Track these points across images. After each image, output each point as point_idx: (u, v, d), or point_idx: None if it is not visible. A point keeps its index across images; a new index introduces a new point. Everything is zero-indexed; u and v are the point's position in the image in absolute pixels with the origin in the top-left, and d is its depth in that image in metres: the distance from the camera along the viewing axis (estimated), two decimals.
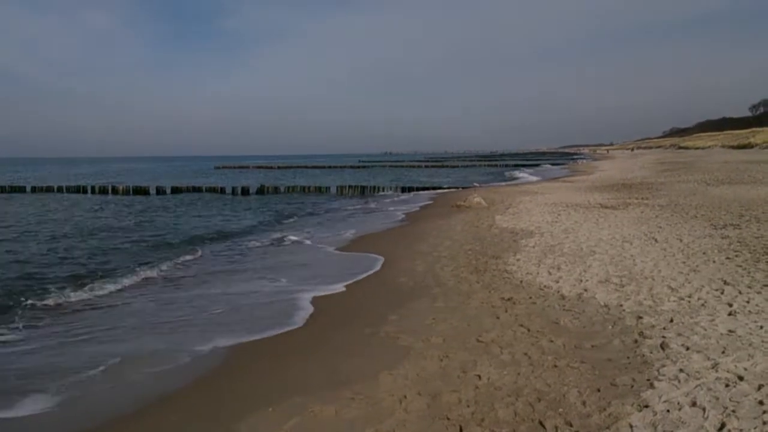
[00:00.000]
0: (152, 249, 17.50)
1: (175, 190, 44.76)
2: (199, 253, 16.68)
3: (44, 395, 6.82)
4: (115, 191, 45.51)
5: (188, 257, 15.93)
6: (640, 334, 7.33)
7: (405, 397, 6.02)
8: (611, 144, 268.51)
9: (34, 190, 46.90)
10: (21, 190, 47.15)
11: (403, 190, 42.42)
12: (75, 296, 11.46)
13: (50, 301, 11.10)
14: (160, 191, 44.45)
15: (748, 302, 8.29)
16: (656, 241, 13.48)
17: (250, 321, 9.60)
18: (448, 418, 5.47)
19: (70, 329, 9.46)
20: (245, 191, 43.88)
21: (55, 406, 6.59)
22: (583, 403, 5.54)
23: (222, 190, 44.68)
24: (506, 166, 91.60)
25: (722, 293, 8.86)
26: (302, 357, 7.68)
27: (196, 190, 45.38)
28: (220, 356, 7.97)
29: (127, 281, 12.78)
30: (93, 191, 46.12)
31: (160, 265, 14.51)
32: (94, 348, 8.51)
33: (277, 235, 20.36)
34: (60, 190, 46.91)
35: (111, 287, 12.21)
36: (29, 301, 11.06)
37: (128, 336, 9.05)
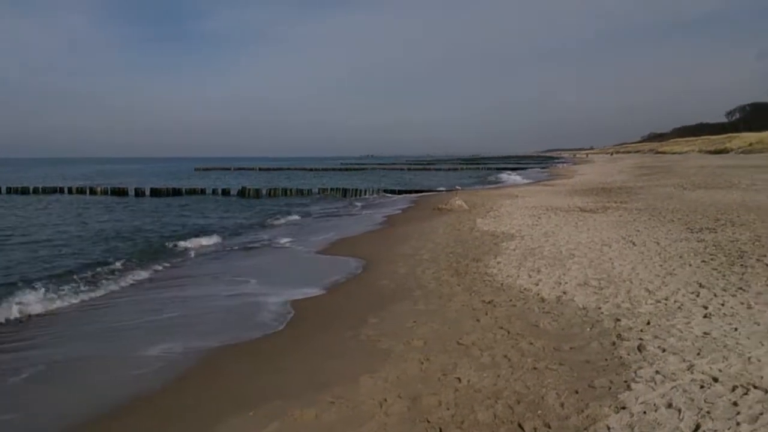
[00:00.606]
0: (128, 252, 17.28)
1: (155, 192, 44.06)
2: (178, 256, 16.56)
3: None
4: (93, 192, 44.99)
5: (166, 261, 15.78)
6: (618, 336, 7.42)
7: (385, 400, 6.04)
8: (591, 148, 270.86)
9: (9, 191, 45.95)
10: None
11: (385, 192, 42.45)
12: (39, 306, 10.91)
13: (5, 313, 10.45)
14: (139, 193, 43.98)
15: (722, 305, 8.43)
16: (634, 244, 13.64)
17: (228, 324, 9.54)
18: (429, 421, 5.49)
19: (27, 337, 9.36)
20: (226, 193, 43.66)
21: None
22: (562, 404, 5.60)
23: (202, 192, 44.42)
24: (488, 169, 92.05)
25: (698, 296, 8.99)
26: (282, 360, 7.66)
27: (176, 192, 44.76)
28: (198, 360, 7.91)
29: (102, 287, 12.62)
30: (70, 192, 45.55)
31: (136, 268, 14.37)
32: (57, 350, 8.44)
33: (258, 237, 20.29)
34: (36, 191, 46.06)
35: (93, 293, 12.08)
36: None
37: (98, 338, 8.99)
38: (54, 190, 46.32)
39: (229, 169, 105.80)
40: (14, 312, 10.44)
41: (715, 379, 5.81)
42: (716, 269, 10.69)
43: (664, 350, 6.77)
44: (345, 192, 42.87)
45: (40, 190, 46.42)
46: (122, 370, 7.62)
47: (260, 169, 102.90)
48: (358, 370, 6.95)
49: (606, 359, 6.70)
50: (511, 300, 9.52)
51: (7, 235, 21.21)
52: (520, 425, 5.27)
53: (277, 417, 5.82)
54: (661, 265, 11.25)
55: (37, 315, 10.49)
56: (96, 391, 7.04)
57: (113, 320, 10.03)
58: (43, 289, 11.70)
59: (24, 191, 45.99)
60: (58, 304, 11.13)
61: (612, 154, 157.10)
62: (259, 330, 9.10)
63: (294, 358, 7.73)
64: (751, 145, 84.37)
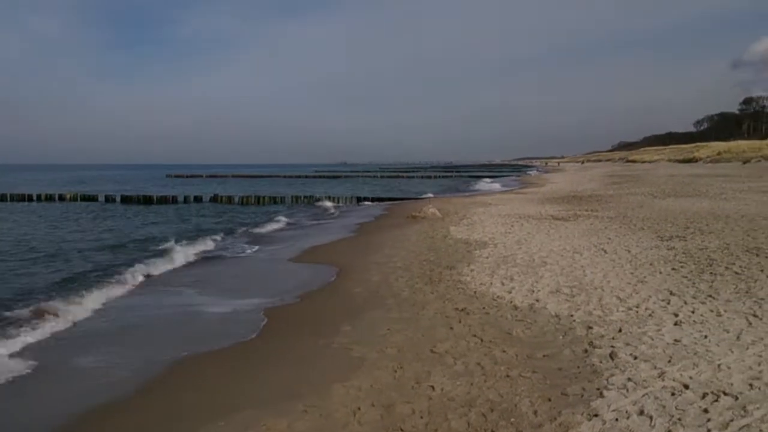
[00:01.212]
0: (105, 261, 16.97)
1: (125, 199, 43.22)
2: (151, 264, 16.25)
3: None
4: (62, 199, 44.13)
5: (141, 269, 15.44)
6: (590, 343, 7.47)
7: (358, 408, 5.98)
8: (562, 157, 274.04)
9: None
10: None
11: (359, 200, 42.34)
12: None
13: None
14: (109, 200, 43.22)
15: (693, 312, 8.54)
16: (605, 252, 13.79)
17: (200, 332, 9.40)
18: (402, 430, 5.45)
19: None
20: (198, 200, 43.13)
21: None
22: (535, 412, 5.60)
23: (174, 200, 43.56)
24: (461, 176, 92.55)
25: (668, 303, 9.11)
26: (255, 369, 7.56)
27: (147, 199, 43.78)
28: (168, 369, 7.75)
29: (78, 297, 12.31)
30: (39, 199, 44.63)
31: (113, 276, 14.05)
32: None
33: (230, 245, 20.05)
34: (3, 198, 44.97)
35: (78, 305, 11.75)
36: None
37: (65, 349, 8.77)
38: (22, 198, 45.32)
39: (200, 176, 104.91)
40: None
41: (686, 386, 5.87)
42: (686, 277, 10.85)
43: (635, 357, 6.83)
44: (318, 199, 42.67)
45: (8, 197, 45.30)
46: (90, 381, 7.43)
47: (234, 176, 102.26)
48: (330, 378, 6.89)
49: (578, 367, 6.73)
50: (484, 308, 9.54)
51: None
52: None
53: (249, 426, 5.73)
54: (632, 273, 11.38)
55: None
56: (61, 402, 6.86)
57: (85, 329, 9.81)
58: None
59: None
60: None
61: (583, 162, 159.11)
62: (232, 338, 8.97)
63: (267, 366, 7.63)
64: (719, 154, 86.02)
